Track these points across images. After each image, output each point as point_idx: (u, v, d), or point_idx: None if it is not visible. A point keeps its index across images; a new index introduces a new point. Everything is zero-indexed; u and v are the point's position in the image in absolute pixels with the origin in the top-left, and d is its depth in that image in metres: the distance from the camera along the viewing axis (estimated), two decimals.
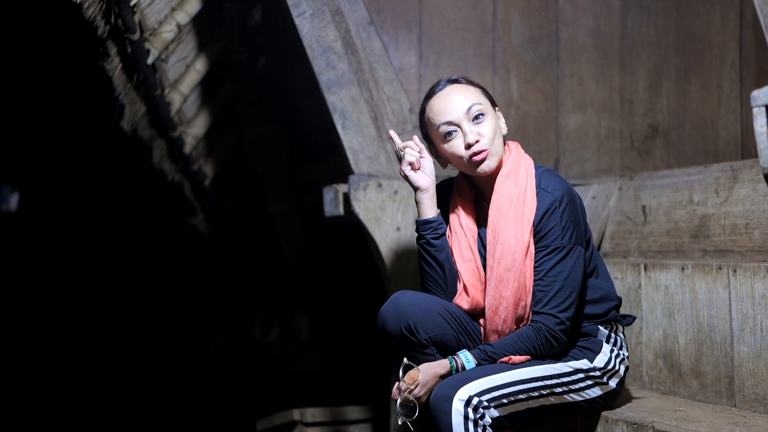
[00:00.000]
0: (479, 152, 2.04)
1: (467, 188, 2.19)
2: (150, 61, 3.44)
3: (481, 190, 2.17)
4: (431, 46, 3.23)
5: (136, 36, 3.24)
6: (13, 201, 9.56)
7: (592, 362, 2.07)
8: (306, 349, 7.11)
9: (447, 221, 2.18)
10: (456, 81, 2.12)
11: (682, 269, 2.34)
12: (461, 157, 2.07)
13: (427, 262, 2.13)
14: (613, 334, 2.15)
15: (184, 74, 3.94)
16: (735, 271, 2.18)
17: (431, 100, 2.12)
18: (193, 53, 3.91)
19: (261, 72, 4.69)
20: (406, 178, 2.13)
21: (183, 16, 3.46)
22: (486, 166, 2.06)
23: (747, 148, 3.34)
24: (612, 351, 2.12)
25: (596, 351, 2.10)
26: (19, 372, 6.28)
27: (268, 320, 7.64)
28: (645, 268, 2.47)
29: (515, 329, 2.05)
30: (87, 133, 8.23)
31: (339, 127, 2.93)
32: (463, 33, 3.26)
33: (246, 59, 4.39)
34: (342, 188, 2.95)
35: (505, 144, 2.14)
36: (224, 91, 4.53)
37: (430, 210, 2.14)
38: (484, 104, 2.09)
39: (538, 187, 2.06)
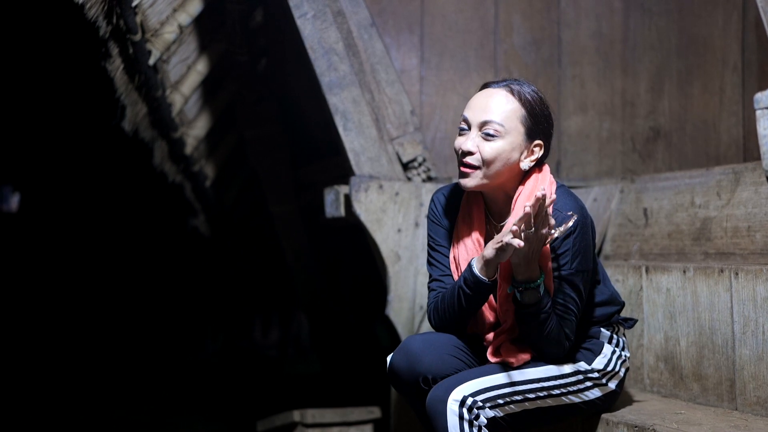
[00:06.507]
0: (466, 165, 1.99)
1: (481, 201, 2.11)
2: (151, 62, 3.44)
3: (490, 207, 2.10)
4: (433, 48, 3.23)
5: (138, 37, 3.24)
6: (14, 201, 9.56)
7: (590, 364, 2.07)
8: (306, 350, 7.11)
9: (453, 228, 2.13)
10: (510, 89, 1.99)
11: (684, 272, 2.34)
12: (456, 155, 2.03)
13: (462, 309, 2.02)
14: (615, 336, 2.15)
15: (185, 75, 3.94)
16: (737, 273, 2.18)
17: (479, 91, 2.05)
18: (194, 54, 3.91)
19: (262, 73, 4.69)
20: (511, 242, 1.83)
21: (184, 17, 3.46)
22: (465, 182, 2.00)
23: (749, 151, 3.34)
24: (614, 353, 2.11)
25: (597, 352, 2.09)
26: (19, 372, 6.28)
27: (268, 321, 7.65)
28: (646, 271, 2.47)
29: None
30: (88, 134, 8.23)
31: (340, 129, 2.93)
32: (464, 35, 3.25)
33: (247, 60, 4.39)
34: (343, 189, 2.94)
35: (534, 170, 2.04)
36: (225, 92, 4.53)
37: (493, 272, 1.97)
38: (508, 128, 1.96)
39: (553, 208, 1.95)
